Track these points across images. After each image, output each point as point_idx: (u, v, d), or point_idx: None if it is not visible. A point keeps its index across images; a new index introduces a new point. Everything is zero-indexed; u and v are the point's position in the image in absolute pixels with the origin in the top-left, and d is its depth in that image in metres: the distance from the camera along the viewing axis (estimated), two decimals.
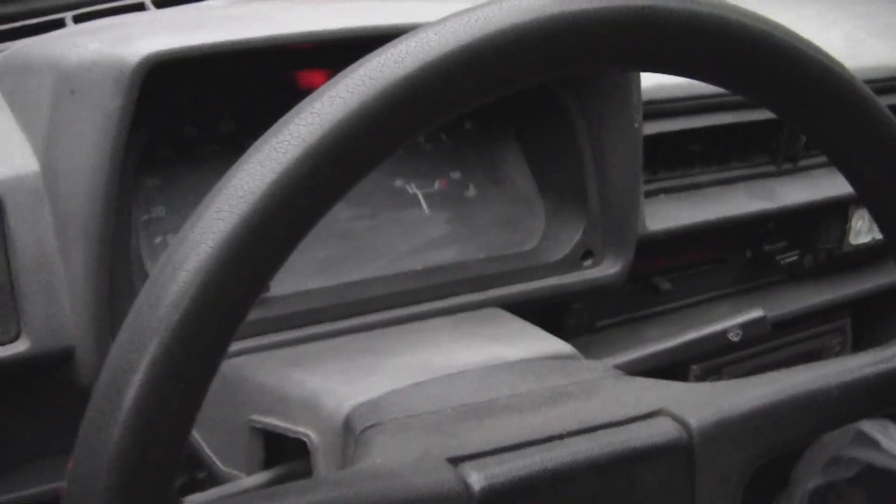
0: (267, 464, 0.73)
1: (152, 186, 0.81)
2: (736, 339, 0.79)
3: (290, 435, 0.69)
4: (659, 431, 0.58)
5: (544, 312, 0.96)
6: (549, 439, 0.57)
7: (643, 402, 0.62)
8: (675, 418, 0.59)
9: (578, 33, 0.48)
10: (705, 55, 0.52)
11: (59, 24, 0.95)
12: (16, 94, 0.79)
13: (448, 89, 0.46)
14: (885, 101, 1.14)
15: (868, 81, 1.11)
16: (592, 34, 0.48)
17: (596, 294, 0.92)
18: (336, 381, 0.70)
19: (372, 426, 0.63)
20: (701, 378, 1.06)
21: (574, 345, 0.99)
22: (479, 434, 0.59)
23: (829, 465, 1.59)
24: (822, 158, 1.10)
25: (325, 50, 0.81)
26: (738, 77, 0.54)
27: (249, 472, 0.73)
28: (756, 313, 0.81)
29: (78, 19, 0.96)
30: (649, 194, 0.97)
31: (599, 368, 0.71)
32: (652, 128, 0.95)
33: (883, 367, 0.64)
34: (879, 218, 0.62)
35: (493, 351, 0.74)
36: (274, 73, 0.83)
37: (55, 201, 0.74)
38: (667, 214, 0.97)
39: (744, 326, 0.79)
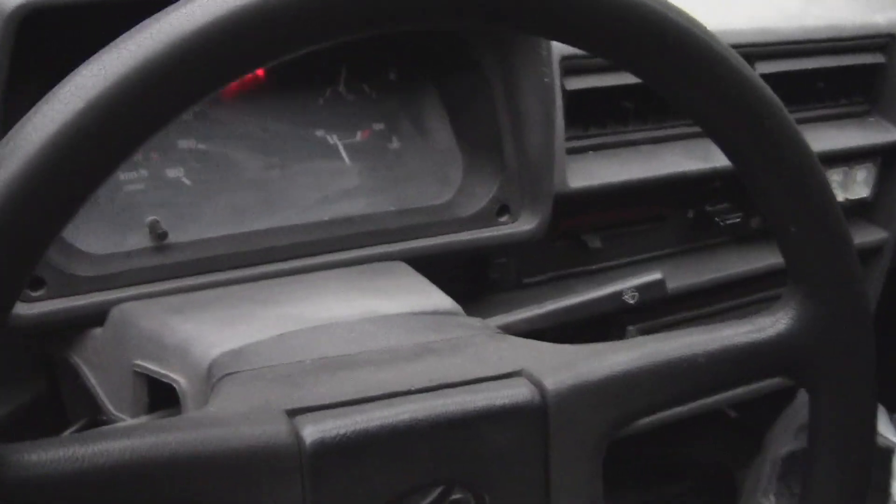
0: (151, 409, 0.74)
1: None
2: (632, 301, 0.77)
3: (164, 380, 0.70)
4: (512, 392, 0.57)
5: (468, 266, 0.96)
6: (395, 395, 0.57)
7: (505, 362, 0.61)
8: (532, 380, 0.58)
9: None
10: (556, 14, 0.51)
11: None
12: None
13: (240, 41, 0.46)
14: (830, 62, 1.11)
15: (809, 42, 1.08)
16: None
17: (511, 250, 0.91)
18: (209, 329, 0.71)
19: (228, 374, 0.63)
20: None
21: (500, 300, 0.99)
22: (328, 387, 0.59)
23: (802, 430, 1.57)
24: None
25: None
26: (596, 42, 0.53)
27: (135, 416, 0.74)
28: (654, 275, 0.79)
29: None
30: (577, 151, 0.96)
31: (476, 326, 0.70)
32: (578, 83, 0.93)
33: (754, 336, 0.62)
34: (751, 190, 0.60)
35: (372, 304, 0.73)
36: None
37: None
38: (593, 172, 0.95)
39: (640, 289, 0.77)
